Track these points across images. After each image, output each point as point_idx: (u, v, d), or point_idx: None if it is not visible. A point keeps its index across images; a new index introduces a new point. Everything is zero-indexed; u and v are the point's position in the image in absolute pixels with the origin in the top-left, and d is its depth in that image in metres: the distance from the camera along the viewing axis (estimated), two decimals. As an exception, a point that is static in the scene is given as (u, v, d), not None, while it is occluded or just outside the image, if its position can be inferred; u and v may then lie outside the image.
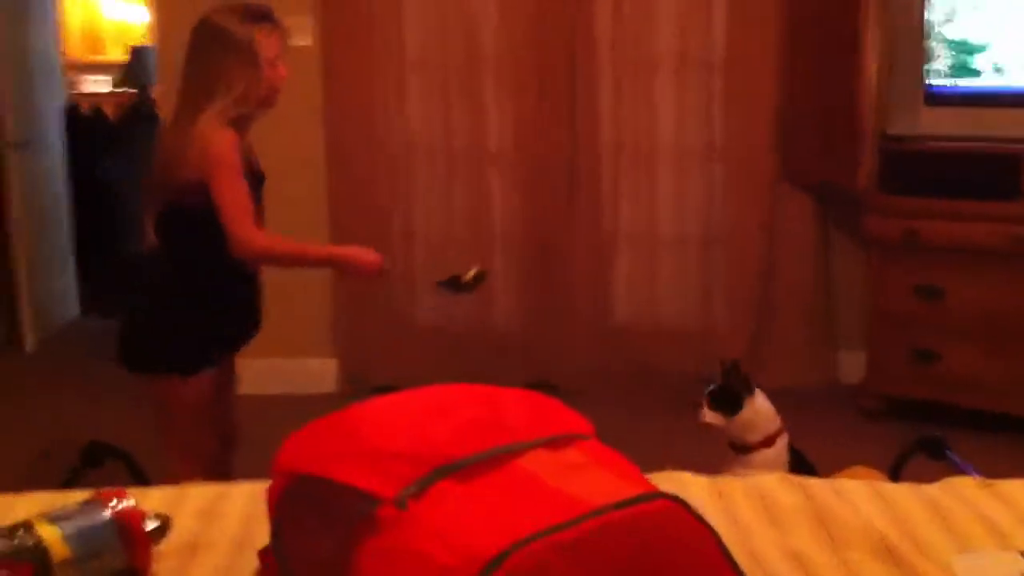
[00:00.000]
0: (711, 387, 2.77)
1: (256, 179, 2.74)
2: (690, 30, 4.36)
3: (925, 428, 2.65)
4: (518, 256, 4.47)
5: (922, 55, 3.96)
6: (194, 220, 2.62)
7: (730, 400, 2.71)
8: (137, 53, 6.55)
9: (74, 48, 6.76)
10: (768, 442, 2.67)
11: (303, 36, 4.26)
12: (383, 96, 4.39)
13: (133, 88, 6.49)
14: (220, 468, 2.74)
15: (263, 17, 2.69)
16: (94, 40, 6.99)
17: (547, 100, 4.33)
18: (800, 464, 2.63)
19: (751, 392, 2.72)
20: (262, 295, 2.89)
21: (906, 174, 4.00)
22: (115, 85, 6.72)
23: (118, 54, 6.85)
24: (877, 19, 3.84)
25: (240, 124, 2.65)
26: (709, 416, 2.73)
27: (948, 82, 3.98)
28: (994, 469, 1.60)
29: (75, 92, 6.52)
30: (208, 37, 2.71)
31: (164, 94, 4.48)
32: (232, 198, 2.58)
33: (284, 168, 4.34)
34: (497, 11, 4.34)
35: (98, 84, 6.82)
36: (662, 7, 4.34)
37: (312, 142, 4.36)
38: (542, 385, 4.07)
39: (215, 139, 2.57)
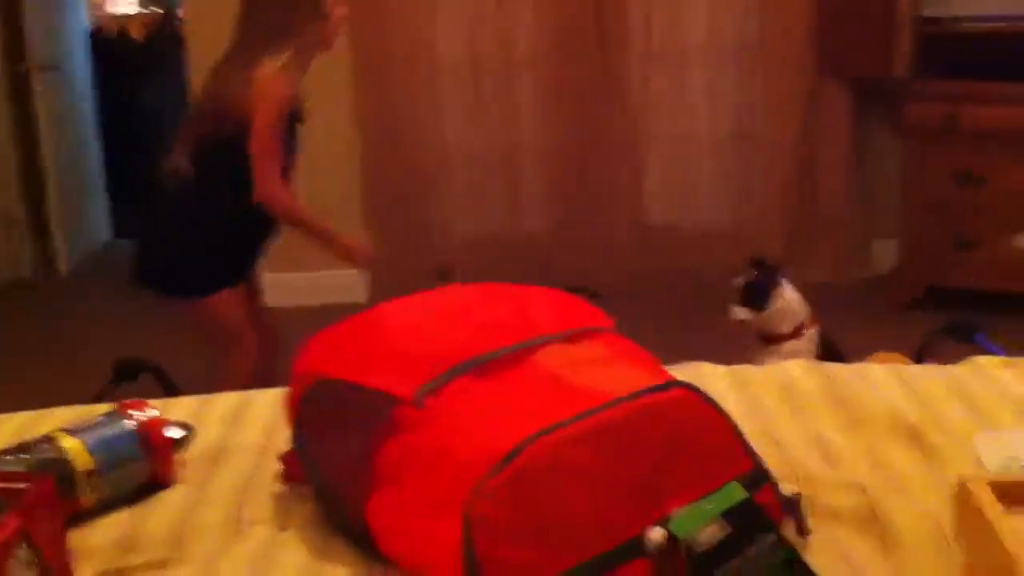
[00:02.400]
0: (740, 283, 2.74)
1: (294, 119, 2.78)
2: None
3: (960, 315, 2.61)
4: (551, 161, 4.43)
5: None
6: (228, 153, 2.68)
7: (759, 294, 2.70)
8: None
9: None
10: (797, 333, 2.67)
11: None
12: (412, 15, 4.32)
13: (159, 8, 6.44)
14: (265, 374, 2.80)
15: None
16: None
17: (576, 2, 4.25)
18: (830, 353, 2.62)
19: (778, 285, 2.71)
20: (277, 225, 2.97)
21: (944, 57, 3.90)
22: (141, 5, 6.67)
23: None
24: None
25: (300, 68, 2.73)
26: (740, 313, 2.73)
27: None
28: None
29: (100, 13, 6.48)
30: None
31: (191, 14, 4.44)
32: (268, 148, 2.65)
33: (309, 89, 4.32)
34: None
35: (124, 5, 6.77)
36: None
37: (338, 65, 4.34)
38: (576, 289, 4.05)
39: (276, 89, 2.64)
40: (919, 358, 2.32)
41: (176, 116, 4.79)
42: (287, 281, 4.37)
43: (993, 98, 3.80)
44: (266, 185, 2.67)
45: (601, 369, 1.21)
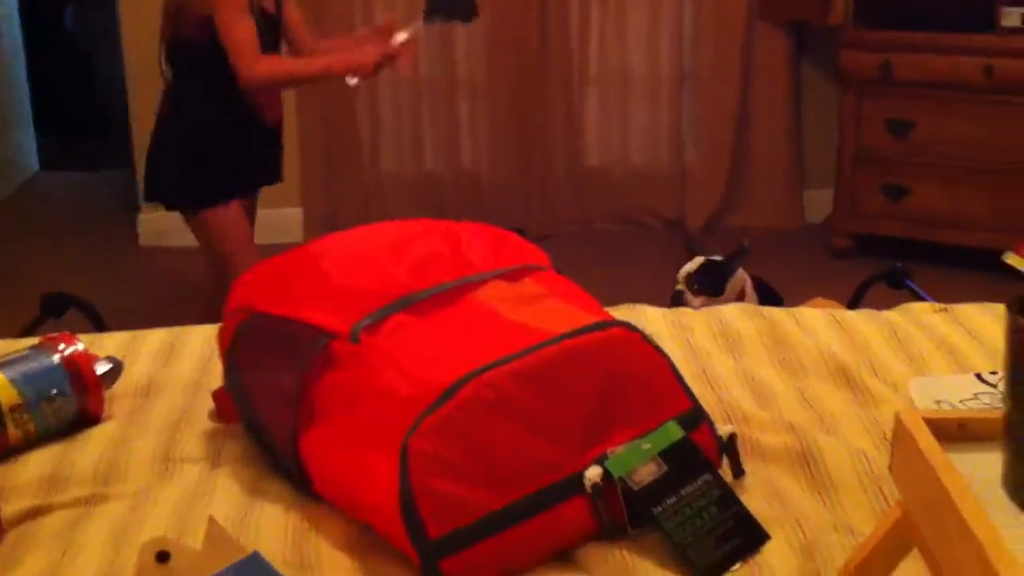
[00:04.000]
0: (687, 272, 2.64)
1: (268, 21, 2.70)
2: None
3: (891, 263, 2.63)
4: (487, 102, 4.38)
5: None
6: (197, 55, 2.64)
7: (716, 282, 2.59)
8: None
9: None
10: (741, 295, 2.62)
11: None
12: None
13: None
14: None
15: None
16: None
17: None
18: (769, 298, 2.60)
19: (740, 262, 2.62)
20: (279, 149, 2.90)
21: (880, 7, 3.92)
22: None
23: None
24: None
25: None
26: (697, 302, 2.54)
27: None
28: (961, 302, 1.60)
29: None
30: None
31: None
32: (236, 34, 2.58)
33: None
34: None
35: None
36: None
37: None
38: (514, 230, 4.05)
39: None
40: (853, 304, 2.35)
41: (106, 44, 4.70)
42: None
43: (926, 48, 3.83)
44: (243, 64, 2.57)
45: (539, 307, 1.20)
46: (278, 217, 4.24)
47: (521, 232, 1.39)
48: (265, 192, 3.98)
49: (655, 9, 4.36)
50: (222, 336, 1.26)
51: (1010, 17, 3.68)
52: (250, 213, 2.91)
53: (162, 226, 4.25)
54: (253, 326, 1.22)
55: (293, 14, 2.83)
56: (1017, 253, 0.82)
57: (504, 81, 4.33)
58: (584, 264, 3.39)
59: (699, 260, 2.65)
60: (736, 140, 4.37)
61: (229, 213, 2.75)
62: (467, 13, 2.72)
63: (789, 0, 4.16)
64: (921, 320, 1.47)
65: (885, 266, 2.51)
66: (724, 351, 1.39)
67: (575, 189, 4.42)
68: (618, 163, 4.48)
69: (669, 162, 4.47)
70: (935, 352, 1.37)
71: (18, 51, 5.51)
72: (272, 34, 2.73)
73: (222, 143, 2.74)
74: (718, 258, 2.65)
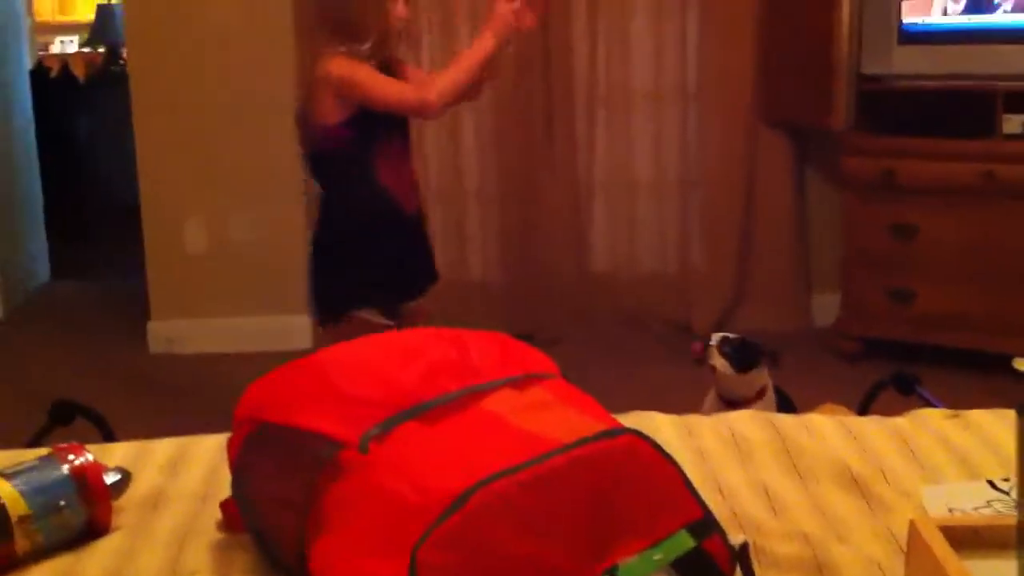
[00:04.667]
0: (724, 335, 2.68)
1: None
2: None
3: (901, 368, 2.63)
4: (495, 206, 4.44)
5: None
6: (332, 165, 2.71)
7: (747, 356, 2.62)
8: (103, 12, 6.47)
9: (43, 9, 6.68)
10: (761, 394, 2.63)
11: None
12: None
13: (101, 48, 6.41)
14: None
15: None
16: (63, 1, 6.91)
17: (519, 45, 4.28)
18: (783, 404, 2.60)
19: (769, 364, 2.65)
20: (426, 242, 2.91)
21: (882, 113, 3.98)
22: (82, 45, 6.64)
23: (87, 14, 6.77)
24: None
25: (370, 58, 2.65)
26: (717, 360, 2.61)
27: (927, 19, 3.95)
28: (968, 406, 1.59)
29: (44, 53, 6.43)
30: None
31: (134, 52, 4.42)
32: (386, 90, 2.63)
33: (259, 117, 4.30)
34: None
35: (67, 45, 6.74)
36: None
37: (286, 90, 4.32)
38: (523, 336, 4.06)
39: (333, 66, 2.60)
40: (863, 410, 2.34)
41: (118, 154, 4.79)
42: (232, 326, 4.33)
43: (929, 153, 3.88)
44: (410, 102, 2.65)
45: (548, 415, 1.20)
46: (287, 324, 4.27)
47: (529, 338, 1.39)
48: (274, 299, 4.02)
49: (659, 114, 4.44)
50: (230, 446, 1.26)
51: (1011, 124, 3.73)
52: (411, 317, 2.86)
53: (172, 334, 4.27)
54: (261, 436, 1.22)
55: (414, 75, 2.85)
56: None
57: (511, 187, 4.39)
58: (592, 369, 3.39)
59: (738, 336, 2.69)
60: (741, 243, 4.41)
61: (376, 323, 2.69)
62: None
63: (791, 105, 4.23)
64: (932, 427, 1.46)
65: (894, 369, 2.51)
66: (735, 459, 1.38)
67: (582, 293, 4.45)
68: (625, 267, 4.51)
69: (676, 266, 4.50)
70: (947, 459, 1.36)
71: (32, 160, 5.61)
72: (400, 126, 2.75)
73: (363, 251, 2.73)
74: (755, 341, 2.68)
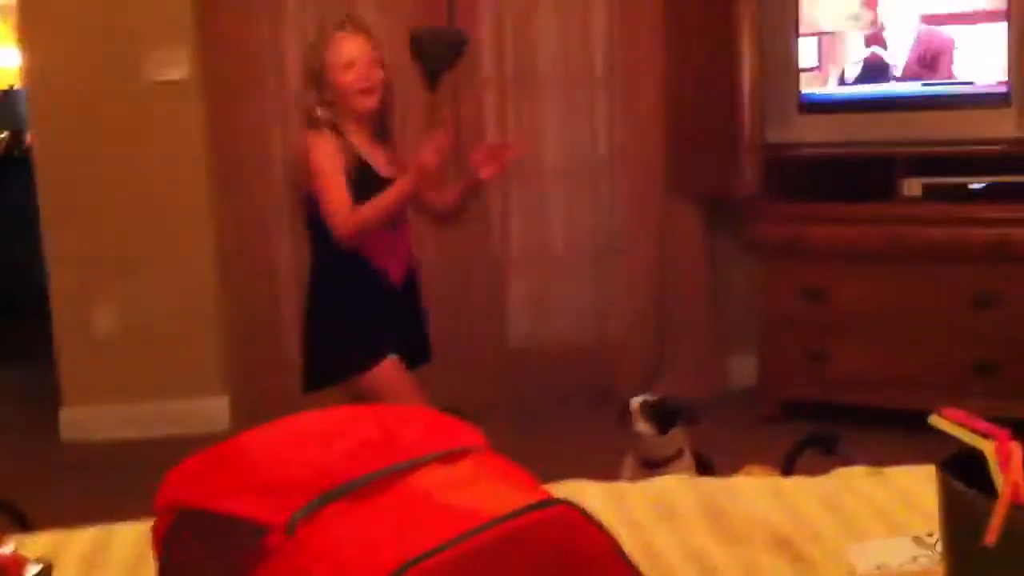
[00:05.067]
0: (644, 399, 2.75)
1: (375, 180, 2.81)
2: (572, 46, 4.40)
3: (818, 428, 2.68)
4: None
5: (795, 64, 4.05)
6: (315, 228, 2.82)
7: (668, 416, 2.70)
8: (5, 96, 6.38)
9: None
10: (680, 453, 2.68)
11: (179, 69, 4.20)
12: (266, 122, 4.32)
13: (2, 132, 6.32)
14: None
15: (344, 23, 2.86)
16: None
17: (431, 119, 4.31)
18: (702, 466, 2.64)
19: (688, 422, 2.73)
20: (415, 318, 2.97)
21: (787, 180, 4.09)
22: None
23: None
24: (752, 31, 3.93)
25: (339, 127, 2.80)
26: (642, 426, 2.70)
27: (824, 90, 4.08)
28: (888, 463, 1.62)
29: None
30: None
31: (38, 137, 4.37)
32: (326, 196, 2.73)
33: (167, 199, 4.26)
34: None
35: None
36: (543, 26, 4.38)
37: (194, 173, 4.29)
38: (447, 409, 4.03)
39: (309, 146, 2.78)
40: (786, 471, 2.37)
41: (24, 238, 4.69)
42: (147, 410, 4.25)
43: (834, 218, 3.99)
44: (333, 222, 2.72)
45: (478, 489, 1.19)
46: (202, 407, 4.20)
47: (456, 412, 1.39)
48: (188, 381, 3.95)
49: (572, 187, 4.50)
50: (154, 536, 1.23)
51: (912, 187, 3.86)
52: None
53: (84, 420, 4.17)
54: (185, 523, 1.19)
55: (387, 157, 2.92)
56: (943, 415, 0.85)
57: (427, 264, 4.39)
58: (516, 440, 3.38)
59: (657, 396, 2.76)
60: (657, 311, 4.46)
61: (382, 372, 2.80)
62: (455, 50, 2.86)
63: (700, 175, 4.32)
64: (854, 485, 1.49)
65: (813, 429, 2.55)
66: (665, 524, 1.39)
67: (504, 366, 4.45)
68: (544, 339, 4.53)
69: (594, 336, 4.54)
70: (871, 516, 1.38)
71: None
72: (366, 190, 2.80)
73: (355, 309, 2.81)
74: (674, 400, 2.76)
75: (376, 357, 2.79)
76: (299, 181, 2.85)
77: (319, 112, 2.79)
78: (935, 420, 0.88)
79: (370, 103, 2.82)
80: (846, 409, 3.87)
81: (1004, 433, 0.86)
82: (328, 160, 2.75)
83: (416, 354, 2.97)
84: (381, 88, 2.84)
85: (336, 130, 2.79)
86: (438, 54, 2.84)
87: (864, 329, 3.94)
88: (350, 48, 2.80)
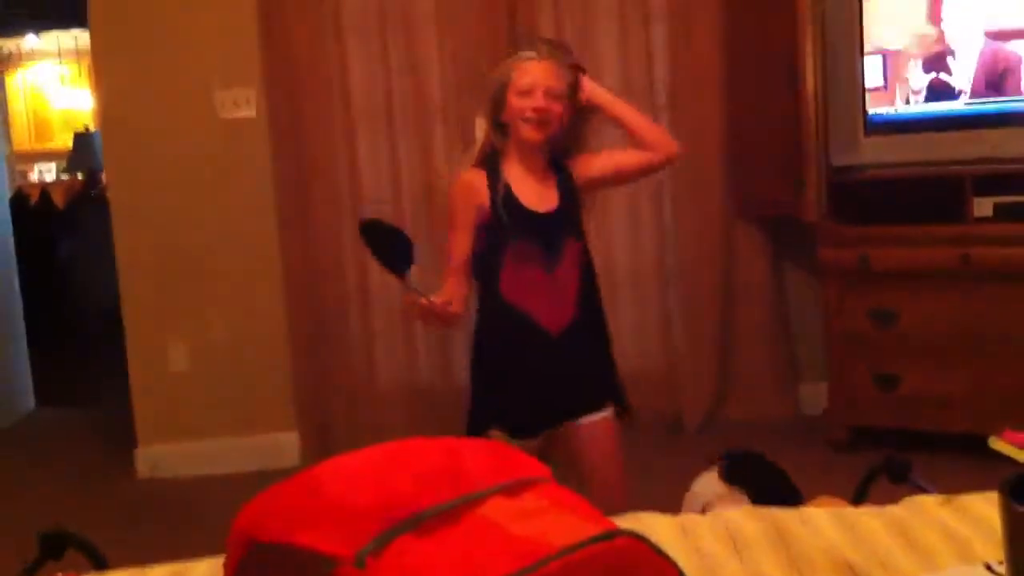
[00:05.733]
0: (721, 457, 2.54)
1: (520, 214, 2.61)
2: (632, 68, 4.40)
3: (890, 455, 2.63)
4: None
5: (860, 84, 4.01)
6: (474, 266, 2.65)
7: (745, 475, 2.51)
8: (81, 139, 6.55)
9: (20, 138, 6.75)
10: None
11: (248, 108, 4.28)
12: (332, 156, 4.38)
13: (79, 174, 6.48)
14: None
15: (537, 44, 2.70)
16: (41, 129, 6.98)
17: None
18: (791, 492, 2.49)
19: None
20: (571, 368, 2.65)
21: (855, 202, 4.05)
22: (61, 172, 6.71)
23: (66, 142, 6.84)
24: (816, 50, 3.91)
25: (499, 155, 2.64)
26: (720, 487, 2.48)
27: (891, 109, 4.04)
28: (960, 490, 1.59)
29: (23, 182, 6.49)
30: None
31: (113, 176, 4.47)
32: (448, 255, 2.62)
33: (236, 236, 4.34)
34: (438, 57, 4.38)
35: (45, 173, 6.81)
36: (603, 47, 4.39)
37: (262, 208, 4.36)
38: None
39: (457, 179, 2.67)
40: (857, 499, 2.33)
41: (99, 276, 4.81)
42: (219, 447, 4.30)
43: (903, 240, 3.93)
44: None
45: (543, 520, 1.20)
46: (274, 442, 4.24)
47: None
48: (260, 418, 3.96)
49: (635, 209, 4.49)
50: (226, 570, 1.25)
51: (982, 207, 3.80)
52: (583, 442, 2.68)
53: (159, 458, 4.24)
54: (256, 557, 1.21)
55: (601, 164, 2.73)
56: (1002, 438, 0.84)
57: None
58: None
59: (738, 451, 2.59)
60: (722, 335, 4.43)
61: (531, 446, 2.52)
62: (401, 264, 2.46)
63: (764, 198, 4.29)
64: (926, 513, 1.47)
65: (884, 456, 2.49)
66: (731, 554, 1.38)
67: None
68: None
69: (660, 361, 4.51)
70: (942, 545, 1.36)
71: (13, 289, 5.62)
72: (547, 231, 2.62)
73: (496, 361, 2.65)
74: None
75: (483, 425, 2.60)
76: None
77: (478, 133, 2.66)
78: (994, 442, 0.87)
79: (536, 136, 2.61)
80: (917, 435, 3.80)
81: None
82: (452, 210, 2.64)
83: (573, 406, 2.69)
84: (555, 123, 2.61)
85: (489, 162, 2.63)
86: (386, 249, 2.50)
87: (935, 352, 3.88)
88: (534, 74, 2.60)
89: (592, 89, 2.70)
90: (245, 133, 4.32)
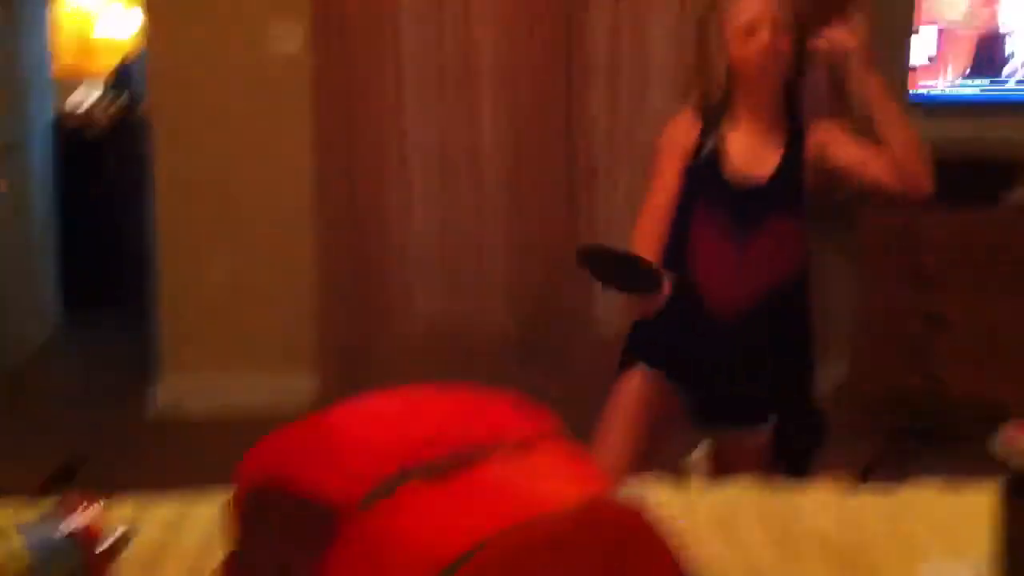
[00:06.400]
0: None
1: (716, 179, 2.26)
2: (685, 44, 4.35)
3: (897, 442, 2.62)
4: (515, 260, 4.45)
5: (906, 61, 3.96)
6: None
7: None
8: (125, 65, 6.55)
9: (66, 59, 6.76)
10: None
11: (293, 43, 4.26)
12: (377, 104, 4.37)
13: (121, 99, 6.49)
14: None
15: None
16: (86, 52, 6.99)
17: (542, 101, 4.32)
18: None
19: None
20: (743, 359, 2.29)
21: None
22: (104, 96, 6.72)
23: (109, 67, 6.85)
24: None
25: (714, 113, 2.27)
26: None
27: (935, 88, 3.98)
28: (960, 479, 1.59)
29: (66, 103, 6.52)
30: None
31: (156, 99, 4.47)
32: (646, 198, 2.30)
33: (270, 176, 4.34)
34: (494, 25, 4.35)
35: (89, 95, 6.83)
36: (655, 26, 4.35)
37: (299, 152, 4.35)
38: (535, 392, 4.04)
39: (670, 126, 2.34)
40: (862, 481, 2.32)
41: (137, 203, 4.83)
42: (242, 384, 4.32)
43: (940, 224, 3.88)
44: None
45: (548, 477, 1.21)
46: (294, 383, 4.25)
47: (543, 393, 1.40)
48: (277, 356, 3.91)
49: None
50: (230, 509, 1.27)
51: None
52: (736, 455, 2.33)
53: (180, 393, 4.27)
54: (260, 497, 1.23)
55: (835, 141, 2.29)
56: (1005, 437, 0.84)
57: (526, 241, 4.40)
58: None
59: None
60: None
61: (631, 383, 2.32)
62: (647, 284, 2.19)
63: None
64: (927, 500, 1.47)
65: (892, 443, 2.48)
66: (724, 532, 1.39)
67: (590, 356, 4.44)
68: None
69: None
70: (939, 534, 1.37)
71: (50, 209, 5.65)
72: (744, 203, 2.26)
73: (669, 339, 2.31)
74: None
75: (628, 362, 2.34)
76: None
77: (689, 90, 2.32)
78: (994, 441, 0.88)
79: (772, 81, 2.22)
80: (926, 425, 3.75)
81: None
82: (663, 155, 2.30)
83: (726, 408, 2.36)
84: (785, 63, 2.21)
85: (711, 112, 2.27)
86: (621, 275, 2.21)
87: (971, 344, 3.81)
88: (751, 6, 2.20)
89: (864, 74, 2.20)
90: (291, 69, 4.30)
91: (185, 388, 4.28)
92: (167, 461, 3.74)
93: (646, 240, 2.27)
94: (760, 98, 2.24)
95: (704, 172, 2.26)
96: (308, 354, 4.33)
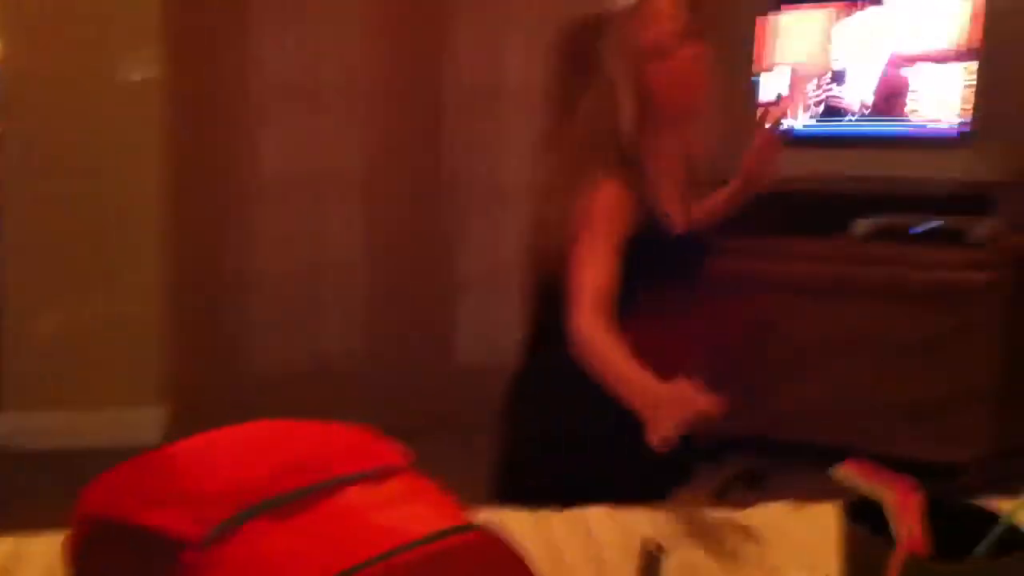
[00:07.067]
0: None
1: (665, 240, 2.02)
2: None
3: (749, 463, 2.68)
4: (360, 294, 4.43)
5: (752, 98, 4.09)
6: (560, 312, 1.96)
7: None
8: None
9: None
10: None
11: (147, 69, 4.18)
12: (231, 128, 4.30)
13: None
14: None
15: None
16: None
17: (403, 130, 4.32)
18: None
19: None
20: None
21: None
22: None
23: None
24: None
25: (636, 171, 1.97)
26: None
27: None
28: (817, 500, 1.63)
29: None
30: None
31: (8, 131, 4.31)
32: (582, 270, 1.91)
33: (118, 206, 4.22)
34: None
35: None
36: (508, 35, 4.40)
37: (149, 181, 4.25)
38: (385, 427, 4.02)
39: (589, 199, 1.95)
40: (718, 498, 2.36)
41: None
42: (81, 420, 4.20)
43: (784, 253, 4.01)
44: (574, 315, 1.89)
45: (402, 508, 1.19)
46: (136, 417, 4.15)
47: (389, 428, 1.38)
48: (121, 389, 3.83)
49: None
50: (67, 547, 1.21)
51: (862, 226, 3.85)
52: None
53: (17, 428, 4.12)
54: (101, 535, 1.18)
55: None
56: (847, 468, 0.86)
57: (378, 275, 4.39)
58: (450, 462, 3.38)
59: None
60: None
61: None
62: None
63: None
64: (777, 520, 1.50)
65: (744, 465, 2.54)
66: (584, 556, 1.39)
67: (446, 385, 4.45)
68: (491, 360, 4.54)
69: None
70: (790, 554, 1.39)
71: None
72: (684, 263, 2.06)
73: (595, 453, 2.02)
74: None
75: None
76: (547, 246, 2.02)
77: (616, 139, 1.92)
78: (837, 472, 0.90)
79: (700, 103, 1.96)
80: (784, 446, 3.87)
81: (905, 483, 0.88)
82: (600, 224, 1.92)
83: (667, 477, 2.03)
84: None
85: (631, 170, 1.96)
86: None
87: (798, 363, 3.96)
88: (652, 20, 1.90)
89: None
90: (142, 96, 4.21)
91: (24, 423, 4.11)
92: (2, 497, 3.58)
93: (614, 342, 1.88)
94: (680, 130, 2.02)
95: (651, 232, 2.01)
96: (155, 389, 4.21)
